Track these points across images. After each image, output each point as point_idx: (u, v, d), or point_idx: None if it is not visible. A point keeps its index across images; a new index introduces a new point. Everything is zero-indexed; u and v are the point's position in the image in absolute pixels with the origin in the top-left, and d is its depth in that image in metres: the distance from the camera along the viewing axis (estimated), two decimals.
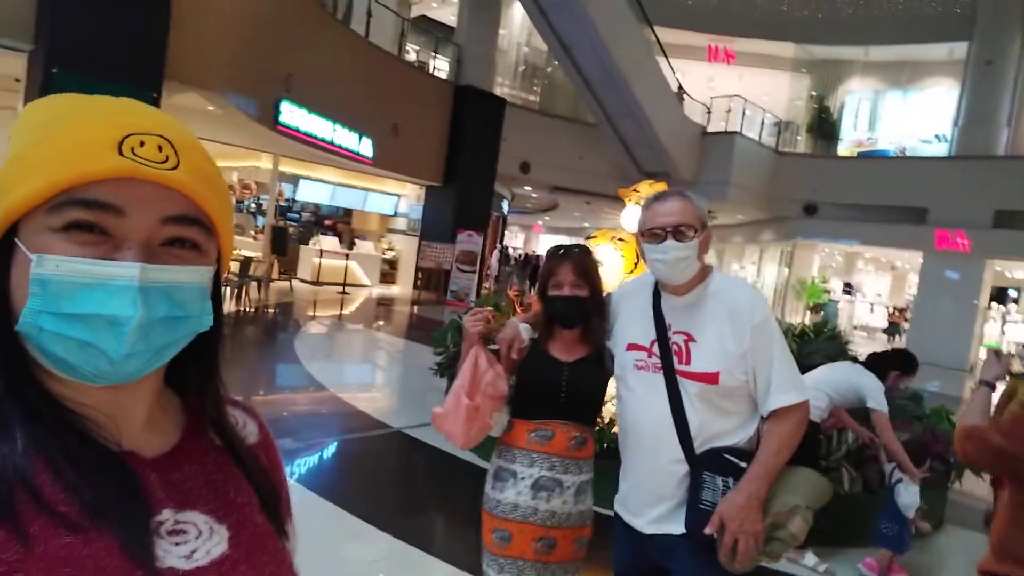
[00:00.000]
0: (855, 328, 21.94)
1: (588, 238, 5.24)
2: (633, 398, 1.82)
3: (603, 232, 5.11)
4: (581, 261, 1.95)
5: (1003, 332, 19.40)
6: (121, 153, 0.57)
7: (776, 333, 1.73)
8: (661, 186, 5.44)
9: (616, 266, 4.97)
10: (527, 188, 18.69)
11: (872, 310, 24.90)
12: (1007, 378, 2.05)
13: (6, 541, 0.50)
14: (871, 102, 20.66)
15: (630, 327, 1.87)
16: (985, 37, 16.29)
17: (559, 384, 1.92)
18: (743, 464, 1.68)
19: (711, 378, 1.70)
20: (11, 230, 0.57)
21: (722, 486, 1.67)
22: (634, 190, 5.35)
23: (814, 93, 21.28)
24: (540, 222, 33.82)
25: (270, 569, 0.66)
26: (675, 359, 1.75)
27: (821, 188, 17.28)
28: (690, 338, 1.74)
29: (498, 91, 16.59)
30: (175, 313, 0.58)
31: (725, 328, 1.70)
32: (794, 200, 17.57)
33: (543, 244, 37.11)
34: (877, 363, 3.93)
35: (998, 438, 1.72)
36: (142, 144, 0.58)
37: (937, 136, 18.59)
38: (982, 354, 14.81)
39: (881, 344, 19.15)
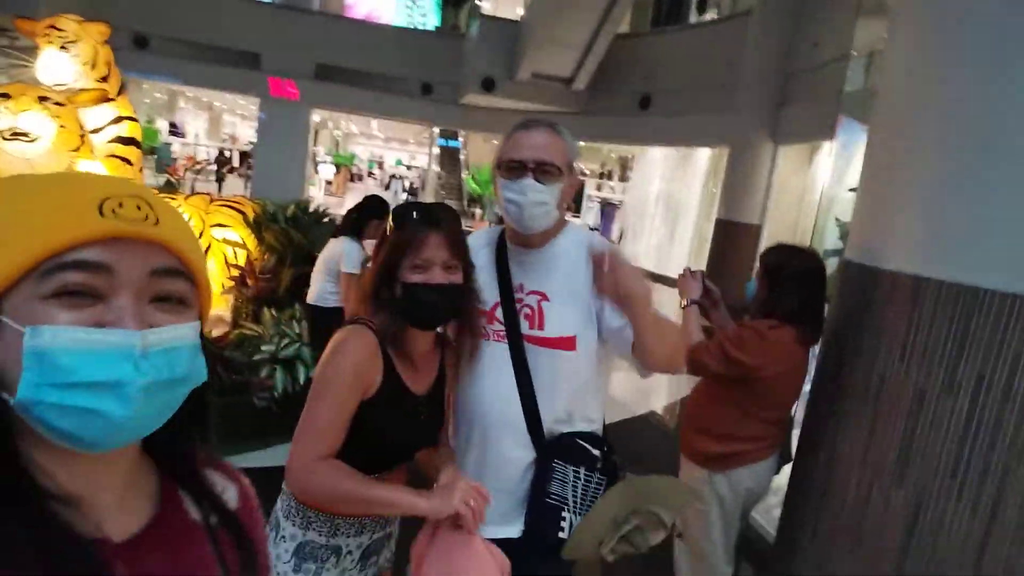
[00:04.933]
0: (188, 171, 21.54)
1: None
2: (473, 374, 1.50)
3: (20, 88, 3.45)
4: (455, 230, 1.39)
5: (316, 171, 22.41)
6: (102, 214, 0.56)
7: None
8: (86, 25, 3.99)
9: (51, 140, 3.50)
10: None
11: (207, 153, 24.91)
12: (702, 290, 2.37)
13: None
14: None
15: None
16: None
17: (418, 436, 1.46)
18: (596, 452, 1.51)
19: (567, 343, 1.48)
20: None
21: (572, 477, 1.47)
22: (51, 26, 3.75)
23: None
24: None
25: None
26: (525, 323, 1.48)
27: (149, 18, 15.57)
28: (544, 297, 1.49)
29: None
30: (175, 373, 0.58)
31: (579, 279, 1.50)
32: (121, 28, 15.32)
33: None
34: (356, 221, 4.03)
35: (715, 364, 2.12)
36: (121, 205, 0.57)
37: None
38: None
39: (211, 185, 19.59)
